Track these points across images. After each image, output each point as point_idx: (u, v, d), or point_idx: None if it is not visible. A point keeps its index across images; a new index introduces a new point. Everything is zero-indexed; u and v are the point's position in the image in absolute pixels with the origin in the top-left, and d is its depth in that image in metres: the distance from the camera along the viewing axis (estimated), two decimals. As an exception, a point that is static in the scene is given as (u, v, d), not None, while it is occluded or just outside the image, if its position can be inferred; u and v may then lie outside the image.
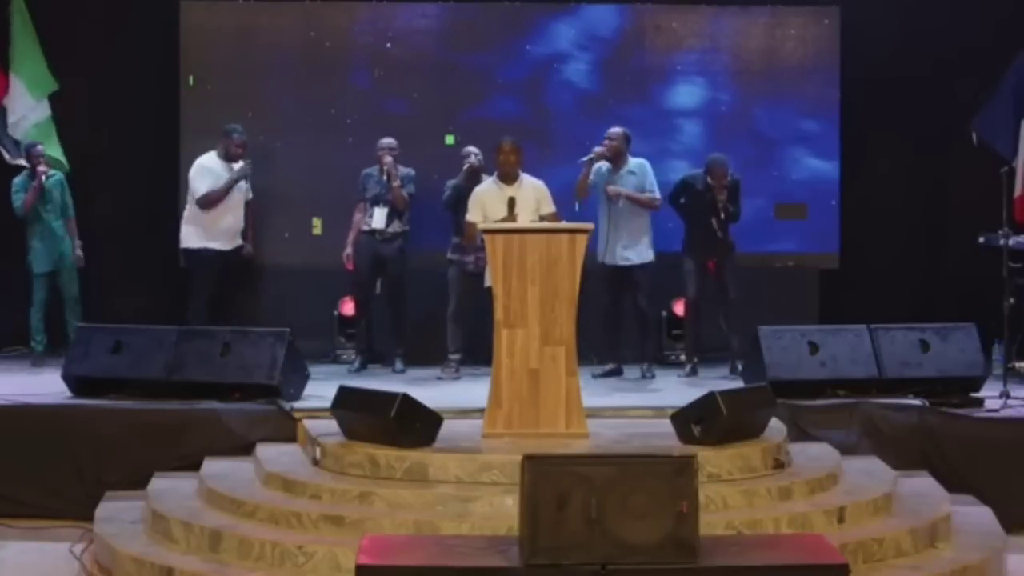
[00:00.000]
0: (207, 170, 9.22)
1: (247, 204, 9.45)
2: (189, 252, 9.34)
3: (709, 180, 9.11)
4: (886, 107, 10.39)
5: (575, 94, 10.49)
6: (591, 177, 8.95)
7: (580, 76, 10.50)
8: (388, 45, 10.45)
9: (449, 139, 10.35)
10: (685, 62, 10.53)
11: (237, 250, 9.42)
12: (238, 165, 9.24)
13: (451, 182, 9.33)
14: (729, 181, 9.12)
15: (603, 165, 9.02)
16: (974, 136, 9.47)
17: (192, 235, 9.29)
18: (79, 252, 9.64)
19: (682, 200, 9.33)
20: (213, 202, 9.19)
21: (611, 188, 8.97)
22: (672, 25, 10.55)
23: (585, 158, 8.84)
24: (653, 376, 9.05)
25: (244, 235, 9.47)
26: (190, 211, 9.31)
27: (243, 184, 9.33)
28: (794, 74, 10.56)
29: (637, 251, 9.02)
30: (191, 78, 10.37)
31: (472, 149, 9.37)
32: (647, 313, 9.16)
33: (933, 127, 10.40)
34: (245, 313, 9.74)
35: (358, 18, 10.50)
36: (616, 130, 9.12)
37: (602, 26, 10.54)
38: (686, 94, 10.53)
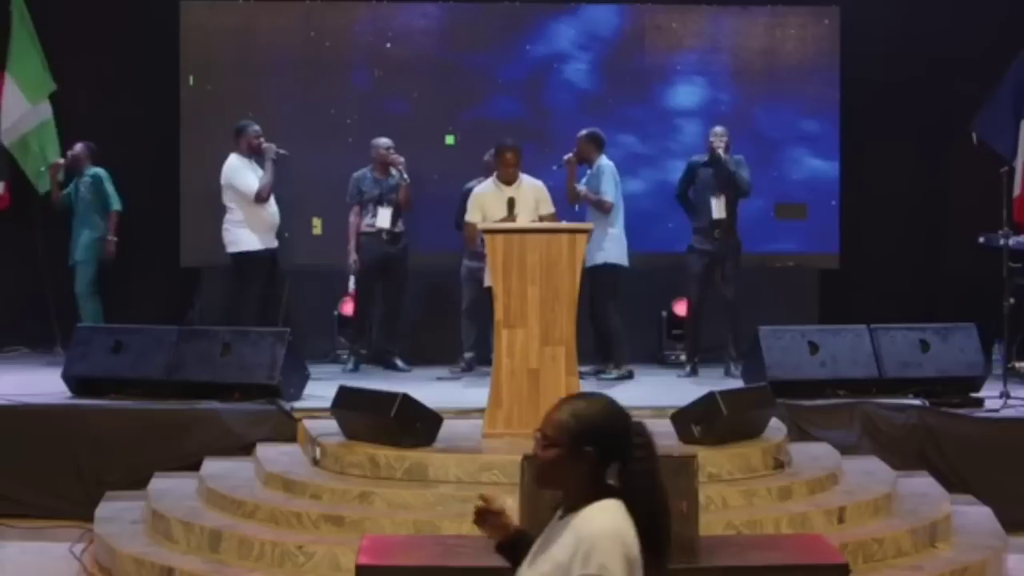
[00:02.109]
0: (245, 167, 9.11)
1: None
2: (247, 256, 9.11)
3: (710, 140, 9.10)
4: (886, 107, 10.38)
5: (575, 94, 10.49)
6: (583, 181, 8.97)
7: (580, 76, 10.50)
8: (388, 45, 10.45)
9: (449, 139, 10.35)
10: (685, 62, 10.53)
11: (277, 249, 9.37)
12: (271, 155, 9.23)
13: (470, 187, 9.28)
14: (732, 156, 9.10)
15: (586, 168, 9.03)
16: (974, 136, 9.47)
17: (249, 238, 9.10)
18: (109, 246, 9.56)
19: (689, 193, 9.29)
20: (269, 193, 9.10)
21: (578, 188, 8.94)
22: (672, 25, 10.54)
23: (556, 167, 8.82)
24: (613, 378, 8.90)
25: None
26: (240, 214, 9.08)
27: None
28: (794, 74, 10.55)
29: (592, 253, 8.73)
30: (191, 78, 10.36)
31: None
32: (597, 317, 8.90)
33: (933, 127, 10.40)
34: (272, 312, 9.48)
35: (358, 18, 10.50)
36: (580, 133, 9.09)
37: (602, 26, 10.54)
38: (686, 94, 10.53)
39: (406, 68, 10.41)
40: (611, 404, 3.09)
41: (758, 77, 10.52)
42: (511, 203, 8.09)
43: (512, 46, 10.51)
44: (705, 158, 9.18)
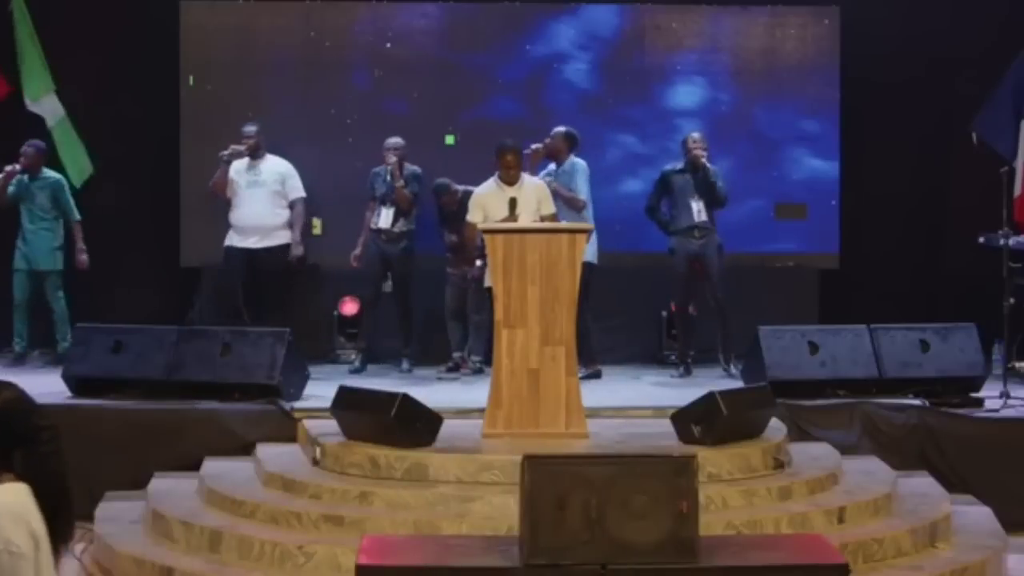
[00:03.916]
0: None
1: (294, 202, 9.35)
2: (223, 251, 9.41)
3: (688, 145, 9.08)
4: (886, 107, 10.38)
5: (575, 94, 10.49)
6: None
7: (580, 76, 10.50)
8: (388, 45, 10.45)
9: (449, 139, 10.35)
10: (685, 62, 10.53)
11: (272, 250, 9.28)
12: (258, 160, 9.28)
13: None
14: (711, 165, 9.07)
15: (551, 164, 9.02)
16: (974, 136, 9.46)
17: (228, 235, 9.35)
18: (82, 257, 9.55)
19: (664, 205, 9.26)
20: (213, 188, 9.30)
21: (549, 182, 8.91)
22: (672, 25, 10.54)
23: (526, 151, 8.77)
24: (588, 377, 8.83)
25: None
26: None
27: (263, 178, 9.27)
28: (794, 74, 10.56)
29: None
30: (191, 78, 10.37)
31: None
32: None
33: (933, 127, 10.40)
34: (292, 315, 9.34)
35: (358, 18, 10.50)
36: (558, 129, 9.13)
37: (602, 26, 10.54)
38: (686, 94, 10.53)
39: (406, 68, 10.41)
40: (11, 390, 3.21)
41: (758, 77, 10.53)
42: (513, 203, 8.07)
43: (512, 46, 10.51)
44: (679, 166, 9.17)
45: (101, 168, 9.96)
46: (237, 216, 9.28)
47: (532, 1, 10.54)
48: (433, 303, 9.55)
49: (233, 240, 9.30)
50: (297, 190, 9.37)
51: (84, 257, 9.59)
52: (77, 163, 9.86)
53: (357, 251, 9.46)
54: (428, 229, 9.57)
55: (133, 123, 10.22)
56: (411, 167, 9.34)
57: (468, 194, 9.04)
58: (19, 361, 9.52)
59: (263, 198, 9.27)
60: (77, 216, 9.59)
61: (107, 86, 10.26)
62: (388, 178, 9.24)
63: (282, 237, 9.32)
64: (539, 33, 10.50)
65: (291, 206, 9.36)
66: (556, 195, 8.80)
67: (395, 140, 9.34)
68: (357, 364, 9.39)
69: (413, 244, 9.42)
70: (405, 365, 9.40)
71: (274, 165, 9.35)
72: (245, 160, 9.27)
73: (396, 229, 9.32)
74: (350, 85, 10.47)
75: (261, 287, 9.27)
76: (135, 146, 10.22)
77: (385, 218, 9.31)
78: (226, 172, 9.23)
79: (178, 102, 10.34)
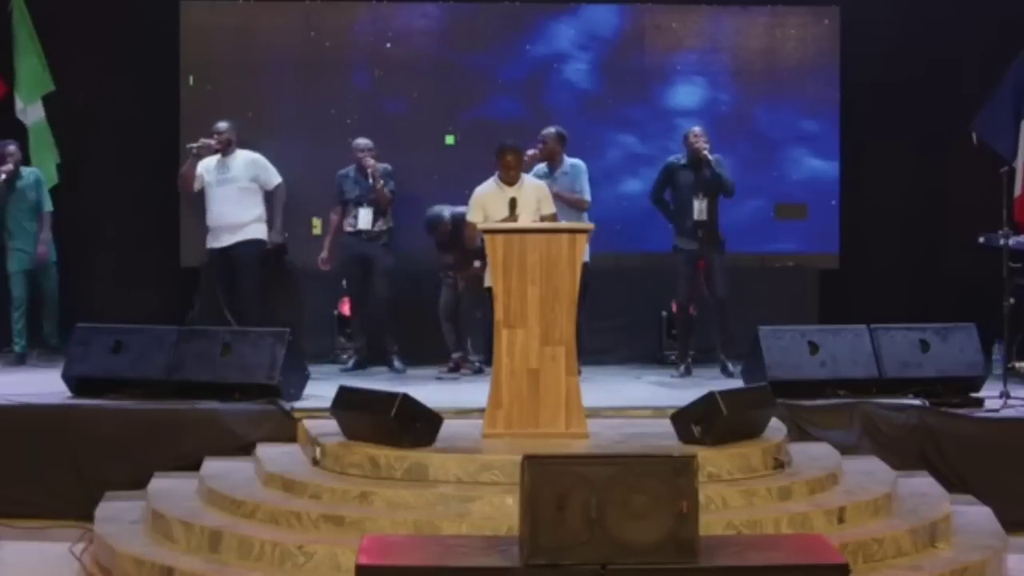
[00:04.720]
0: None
1: (274, 190, 9.34)
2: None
3: (689, 139, 9.09)
4: (886, 107, 10.39)
5: (575, 94, 10.49)
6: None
7: (580, 76, 10.51)
8: (388, 45, 10.45)
9: (449, 139, 10.35)
10: (685, 62, 10.54)
11: (242, 244, 9.27)
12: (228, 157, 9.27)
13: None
14: (712, 155, 9.08)
15: (542, 167, 9.04)
16: (974, 136, 9.47)
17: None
18: (41, 248, 9.60)
19: (666, 196, 9.27)
20: (182, 179, 9.34)
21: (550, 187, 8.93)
22: (672, 25, 10.55)
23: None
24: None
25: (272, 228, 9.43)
26: None
27: (232, 175, 9.25)
28: (794, 74, 10.56)
29: None
30: (191, 78, 10.37)
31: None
32: None
33: (933, 127, 10.41)
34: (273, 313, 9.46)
35: (358, 18, 10.51)
36: (549, 131, 9.17)
37: (602, 26, 10.54)
38: (686, 94, 10.53)
39: (406, 68, 10.42)
40: None
41: (758, 77, 10.53)
42: (513, 203, 8.07)
43: (512, 46, 10.51)
44: (683, 160, 9.17)
45: (101, 168, 9.94)
46: (210, 217, 9.32)
47: (532, 1, 10.55)
48: (430, 303, 9.55)
49: (211, 243, 9.36)
50: (274, 177, 9.38)
51: (44, 248, 9.63)
52: (44, 173, 9.87)
53: (324, 254, 9.53)
54: (420, 229, 9.57)
55: (133, 123, 10.22)
56: (382, 165, 9.35)
57: (459, 217, 8.99)
58: (19, 361, 9.54)
59: (232, 196, 9.24)
60: (48, 208, 9.68)
61: (107, 86, 10.27)
62: (370, 180, 9.23)
63: (253, 232, 9.30)
64: (539, 33, 10.51)
65: (272, 195, 9.36)
66: (558, 199, 8.82)
67: (365, 141, 9.38)
68: (350, 364, 9.41)
69: (392, 241, 9.44)
70: (398, 364, 9.39)
71: (244, 160, 9.31)
72: (216, 157, 9.25)
73: (376, 228, 9.35)
74: (350, 85, 10.47)
75: (237, 284, 9.28)
76: (135, 146, 10.22)
77: (364, 219, 9.33)
78: (194, 165, 9.23)
79: (178, 102, 10.34)
